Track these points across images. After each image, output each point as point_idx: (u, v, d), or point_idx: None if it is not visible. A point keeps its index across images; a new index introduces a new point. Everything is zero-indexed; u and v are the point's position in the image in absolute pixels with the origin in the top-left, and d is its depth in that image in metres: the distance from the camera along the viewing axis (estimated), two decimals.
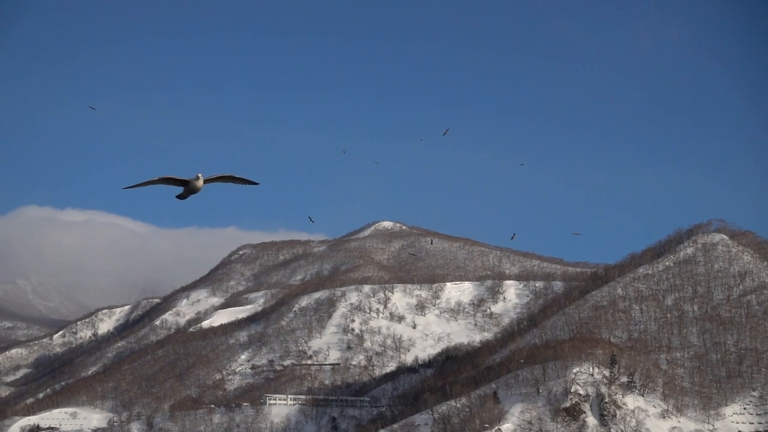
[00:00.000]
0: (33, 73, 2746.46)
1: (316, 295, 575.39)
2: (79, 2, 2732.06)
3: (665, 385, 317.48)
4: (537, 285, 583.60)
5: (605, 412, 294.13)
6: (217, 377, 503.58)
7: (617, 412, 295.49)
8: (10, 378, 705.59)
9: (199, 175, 52.95)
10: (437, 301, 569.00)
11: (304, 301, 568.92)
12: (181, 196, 55.00)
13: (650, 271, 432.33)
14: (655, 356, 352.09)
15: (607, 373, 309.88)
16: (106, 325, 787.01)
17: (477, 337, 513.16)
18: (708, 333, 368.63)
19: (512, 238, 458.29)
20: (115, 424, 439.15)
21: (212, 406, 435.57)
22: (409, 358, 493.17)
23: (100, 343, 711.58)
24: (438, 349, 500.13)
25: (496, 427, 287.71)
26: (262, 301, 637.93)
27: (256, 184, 56.18)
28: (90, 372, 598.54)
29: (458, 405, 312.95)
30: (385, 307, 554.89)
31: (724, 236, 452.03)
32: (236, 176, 54.53)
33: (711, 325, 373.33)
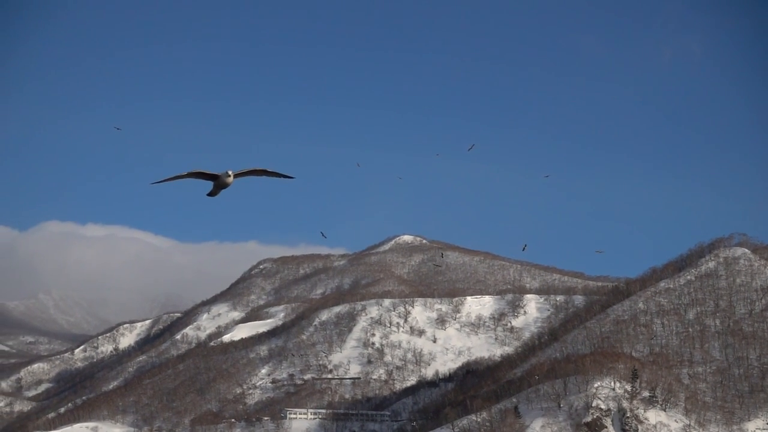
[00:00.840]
0: (52, 89, 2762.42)
1: (337, 309, 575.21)
2: (93, 12, 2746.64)
3: (687, 400, 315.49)
4: (558, 299, 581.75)
5: (627, 427, 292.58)
6: (238, 391, 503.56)
7: (639, 426, 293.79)
8: (32, 392, 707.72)
9: (230, 171, 51.45)
10: (457, 315, 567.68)
11: (325, 315, 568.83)
12: (211, 194, 53.46)
13: (672, 285, 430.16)
14: (676, 371, 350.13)
15: (628, 387, 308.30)
16: (127, 339, 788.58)
17: (497, 351, 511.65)
18: (730, 347, 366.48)
19: (523, 249, 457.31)
20: None
21: (233, 420, 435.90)
22: (429, 372, 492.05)
23: (121, 357, 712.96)
24: (458, 363, 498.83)
25: None
26: (282, 315, 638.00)
27: (291, 177, 53.72)
28: (111, 386, 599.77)
29: (479, 419, 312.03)
30: (406, 321, 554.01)
31: (746, 250, 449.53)
32: (269, 170, 52.73)
33: (733, 340, 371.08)
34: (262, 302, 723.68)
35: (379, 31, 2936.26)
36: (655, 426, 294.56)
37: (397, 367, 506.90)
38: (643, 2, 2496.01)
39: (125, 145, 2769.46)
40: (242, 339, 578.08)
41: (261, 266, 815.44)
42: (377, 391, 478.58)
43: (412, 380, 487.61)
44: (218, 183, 51.78)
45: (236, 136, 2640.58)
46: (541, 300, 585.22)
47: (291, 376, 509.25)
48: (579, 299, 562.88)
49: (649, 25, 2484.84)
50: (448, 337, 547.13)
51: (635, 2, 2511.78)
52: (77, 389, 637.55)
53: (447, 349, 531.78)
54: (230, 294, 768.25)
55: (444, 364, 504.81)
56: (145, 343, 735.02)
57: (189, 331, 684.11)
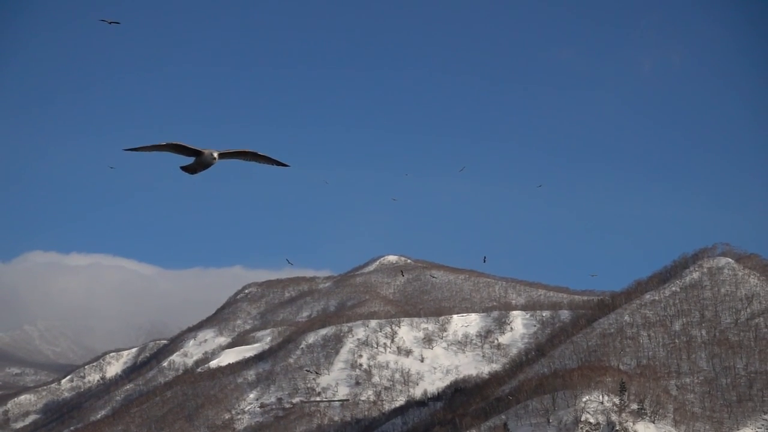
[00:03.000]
0: (31, 115, 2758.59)
1: (323, 331, 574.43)
2: (74, 40, 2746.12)
3: (676, 411, 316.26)
4: (544, 314, 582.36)
5: None
6: (227, 417, 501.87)
7: None
8: (20, 424, 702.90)
9: (215, 153, 46.96)
10: (444, 334, 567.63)
11: (311, 338, 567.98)
12: (188, 169, 48.42)
13: (657, 297, 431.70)
14: (664, 382, 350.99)
15: (617, 400, 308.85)
16: (113, 368, 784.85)
17: (485, 369, 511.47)
18: (717, 357, 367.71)
19: (484, 261, 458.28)
20: None
21: None
22: (418, 392, 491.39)
23: (108, 386, 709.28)
24: (446, 381, 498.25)
25: None
26: (269, 339, 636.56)
27: (285, 165, 49.10)
28: (99, 416, 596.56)
29: None
30: (393, 341, 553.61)
31: (730, 260, 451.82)
32: (260, 154, 47.92)
33: (720, 350, 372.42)
34: (248, 327, 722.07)
35: (357, 48, 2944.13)
36: None
37: (386, 388, 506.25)
38: (621, 14, 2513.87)
39: (107, 173, 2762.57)
40: (229, 364, 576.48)
41: (246, 291, 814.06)
42: (366, 413, 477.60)
43: (400, 400, 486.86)
44: (200, 161, 47.66)
45: (219, 163, 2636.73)
46: (528, 316, 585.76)
47: (279, 400, 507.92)
48: (565, 314, 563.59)
49: (629, 36, 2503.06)
50: (435, 356, 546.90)
51: (613, 14, 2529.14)
52: (65, 420, 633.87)
53: (435, 368, 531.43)
54: (216, 319, 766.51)
55: (432, 383, 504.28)
56: (132, 372, 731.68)
57: (176, 357, 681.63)
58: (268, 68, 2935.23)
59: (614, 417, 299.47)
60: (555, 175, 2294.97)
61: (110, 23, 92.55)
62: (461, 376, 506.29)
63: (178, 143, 46.33)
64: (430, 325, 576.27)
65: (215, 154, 47.17)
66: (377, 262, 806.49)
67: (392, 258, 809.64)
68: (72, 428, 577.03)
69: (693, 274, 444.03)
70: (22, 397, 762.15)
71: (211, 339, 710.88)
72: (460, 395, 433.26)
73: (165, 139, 46.36)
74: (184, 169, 48.72)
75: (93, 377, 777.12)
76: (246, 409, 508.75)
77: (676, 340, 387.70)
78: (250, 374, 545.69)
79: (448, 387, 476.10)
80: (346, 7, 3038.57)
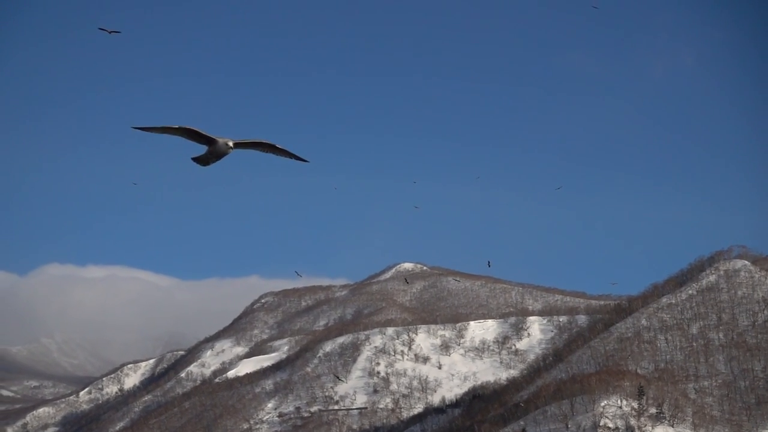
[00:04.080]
0: (47, 128, 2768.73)
1: (340, 339, 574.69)
2: (82, 46, 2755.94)
3: (695, 415, 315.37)
4: (561, 319, 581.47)
5: None
6: (245, 427, 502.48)
7: None
8: None
9: (230, 142, 44.24)
10: (461, 341, 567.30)
11: (329, 347, 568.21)
12: (200, 160, 45.58)
13: (674, 301, 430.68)
14: (683, 386, 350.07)
15: (635, 405, 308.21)
16: (131, 379, 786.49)
17: (503, 375, 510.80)
18: (735, 360, 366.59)
19: (488, 265, 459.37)
20: None
21: None
22: (436, 399, 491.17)
23: (126, 398, 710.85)
24: (464, 388, 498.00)
25: None
26: (286, 348, 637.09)
27: (305, 161, 46.60)
28: (117, 428, 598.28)
29: None
30: (410, 348, 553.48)
31: (746, 262, 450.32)
32: (278, 146, 45.64)
33: (738, 352, 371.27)
34: (265, 336, 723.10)
35: (371, 54, 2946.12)
36: None
37: (404, 395, 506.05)
38: (632, 15, 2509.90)
39: (122, 184, 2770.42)
40: (247, 374, 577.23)
41: (263, 300, 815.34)
42: (384, 421, 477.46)
43: (419, 408, 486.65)
44: (214, 150, 44.71)
45: (238, 169, 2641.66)
46: (545, 321, 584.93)
47: (297, 409, 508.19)
48: (582, 319, 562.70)
49: (640, 37, 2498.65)
50: (453, 362, 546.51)
51: (624, 16, 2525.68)
52: None
53: (452, 375, 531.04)
54: (233, 329, 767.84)
55: (450, 390, 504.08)
56: (150, 383, 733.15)
57: (193, 368, 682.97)
58: (283, 74, 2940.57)
59: (633, 421, 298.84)
60: (569, 180, 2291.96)
61: (110, 32, 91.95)
62: (479, 382, 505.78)
63: (191, 128, 43.76)
64: (447, 332, 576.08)
65: (230, 143, 44.73)
66: (393, 270, 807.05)
67: (408, 265, 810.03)
68: None
69: (709, 277, 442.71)
70: (41, 410, 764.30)
71: (228, 349, 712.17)
72: (479, 402, 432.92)
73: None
74: (196, 160, 46.23)
75: (111, 389, 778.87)
76: (264, 418, 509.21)
77: (694, 344, 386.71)
78: (268, 384, 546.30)
79: (466, 394, 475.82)
80: (362, 14, 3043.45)
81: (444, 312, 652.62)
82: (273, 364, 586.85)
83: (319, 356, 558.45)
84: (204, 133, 43.97)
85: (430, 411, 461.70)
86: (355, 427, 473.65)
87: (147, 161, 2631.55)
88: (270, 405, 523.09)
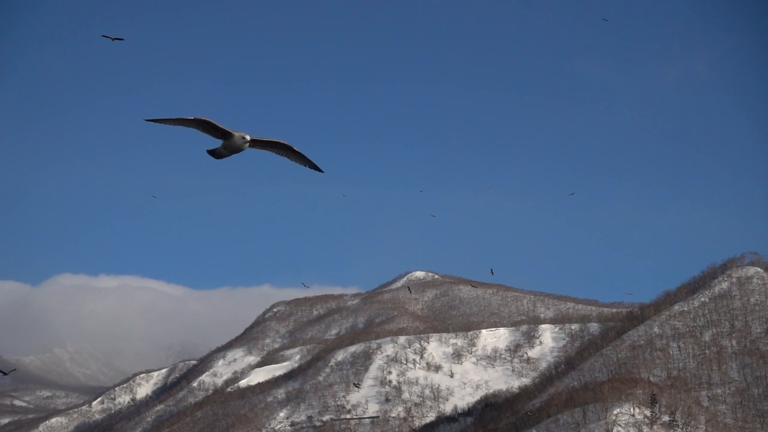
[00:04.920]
0: (59, 140, 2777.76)
1: (352, 348, 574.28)
2: (89, 54, 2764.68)
3: (708, 422, 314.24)
4: (573, 327, 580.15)
5: None
6: None
7: None
8: None
9: (247, 135, 42.92)
10: (473, 349, 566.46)
11: (340, 356, 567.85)
12: (215, 153, 44.50)
13: (686, 308, 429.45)
14: (695, 393, 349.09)
15: (648, 413, 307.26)
16: (144, 389, 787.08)
17: (515, 383, 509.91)
18: (748, 367, 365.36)
19: (491, 273, 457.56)
20: None
21: None
22: (448, 408, 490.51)
23: (138, 407, 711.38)
24: (476, 397, 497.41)
25: None
26: (298, 357, 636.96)
27: (320, 170, 45.27)
28: None
29: None
30: (422, 357, 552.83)
31: (759, 269, 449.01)
32: (295, 149, 44.16)
33: (751, 360, 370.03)
34: (277, 345, 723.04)
35: (382, 63, 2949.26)
36: None
37: (416, 404, 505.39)
38: (644, 23, 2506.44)
39: (133, 195, 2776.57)
40: (259, 383, 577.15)
41: (274, 309, 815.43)
42: (397, 429, 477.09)
43: (431, 416, 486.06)
44: (228, 144, 43.54)
45: (251, 179, 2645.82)
46: (556, 329, 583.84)
47: (310, 418, 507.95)
48: (594, 327, 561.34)
49: (652, 45, 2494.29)
50: (465, 371, 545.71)
51: (637, 23, 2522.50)
52: None
53: (464, 384, 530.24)
54: (245, 339, 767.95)
55: (462, 398, 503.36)
56: (162, 392, 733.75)
57: (205, 378, 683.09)
58: (293, 82, 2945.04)
59: (646, 429, 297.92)
60: (581, 188, 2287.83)
61: (113, 40, 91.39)
62: (491, 390, 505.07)
63: (207, 119, 42.50)
64: (459, 341, 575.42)
65: (247, 137, 43.44)
66: (405, 278, 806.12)
67: (420, 274, 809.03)
68: None
69: (722, 284, 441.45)
70: (54, 420, 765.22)
71: (240, 358, 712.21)
72: (491, 410, 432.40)
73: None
74: (211, 152, 45.04)
75: (123, 399, 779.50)
76: (276, 428, 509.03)
77: (707, 351, 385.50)
78: (280, 393, 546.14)
79: (479, 402, 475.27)
80: (375, 23, 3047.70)
81: (456, 320, 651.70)
82: (285, 374, 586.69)
83: (331, 365, 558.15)
84: (220, 125, 42.90)
85: (443, 420, 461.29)
86: None
87: (158, 171, 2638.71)
88: (282, 414, 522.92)
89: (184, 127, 42.68)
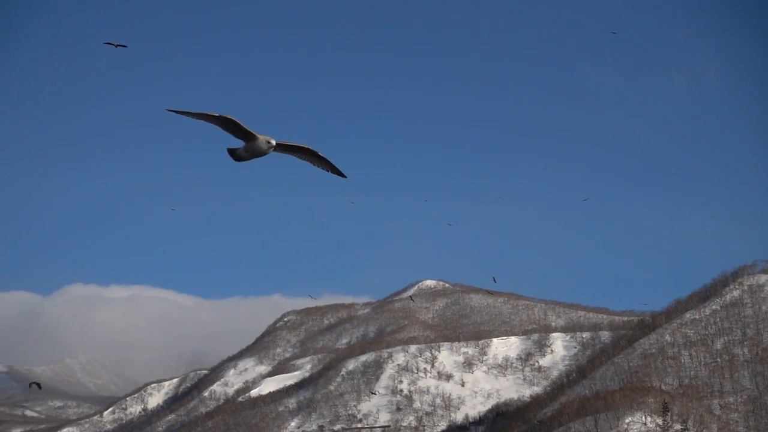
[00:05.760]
0: (69, 150, 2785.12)
1: (363, 357, 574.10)
2: (94, 62, 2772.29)
3: (720, 431, 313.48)
4: (584, 336, 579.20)
5: None
6: None
7: None
8: None
9: (273, 140, 41.37)
10: (484, 358, 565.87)
11: (351, 365, 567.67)
12: (235, 154, 42.74)
13: (697, 316, 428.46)
14: (707, 402, 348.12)
15: (660, 421, 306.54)
16: (155, 399, 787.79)
17: (526, 392, 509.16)
18: (760, 375, 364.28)
19: (494, 281, 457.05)
20: None
21: None
22: (459, 417, 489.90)
23: (150, 417, 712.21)
24: (488, 405, 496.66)
25: None
26: (309, 366, 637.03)
27: (343, 176, 44.20)
28: None
29: None
30: (433, 366, 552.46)
31: None
32: (320, 154, 42.96)
33: (763, 368, 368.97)
34: (288, 355, 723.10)
35: (385, 68, 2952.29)
36: None
37: (427, 413, 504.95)
38: (655, 30, 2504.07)
39: (145, 205, 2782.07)
40: (270, 393, 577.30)
41: (285, 319, 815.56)
42: None
43: (442, 425, 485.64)
44: (251, 147, 41.80)
45: (261, 186, 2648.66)
46: (568, 338, 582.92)
47: (321, 427, 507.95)
48: (605, 335, 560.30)
49: (663, 52, 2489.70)
50: (476, 380, 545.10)
51: (647, 30, 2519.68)
52: None
53: (476, 393, 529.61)
54: (256, 348, 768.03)
55: (473, 407, 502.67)
56: (173, 402, 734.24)
57: (217, 387, 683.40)
58: (302, 87, 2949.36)
59: None
60: (591, 196, 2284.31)
61: (116, 46, 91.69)
62: (502, 399, 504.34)
63: (232, 118, 40.61)
64: (470, 349, 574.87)
65: (273, 142, 41.80)
66: (416, 287, 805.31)
67: (430, 282, 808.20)
68: None
69: (733, 292, 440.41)
70: (65, 430, 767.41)
71: (251, 368, 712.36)
72: (502, 419, 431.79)
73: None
74: (231, 152, 43.19)
75: (135, 408, 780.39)
76: None
77: (718, 359, 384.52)
78: (291, 402, 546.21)
79: (490, 411, 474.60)
80: (386, 32, 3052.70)
81: (467, 329, 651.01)
82: (296, 383, 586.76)
83: (342, 374, 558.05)
84: (244, 126, 41.19)
85: (454, 429, 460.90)
86: None
87: (169, 181, 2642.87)
88: (293, 423, 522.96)
89: (207, 122, 41.01)
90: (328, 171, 44.11)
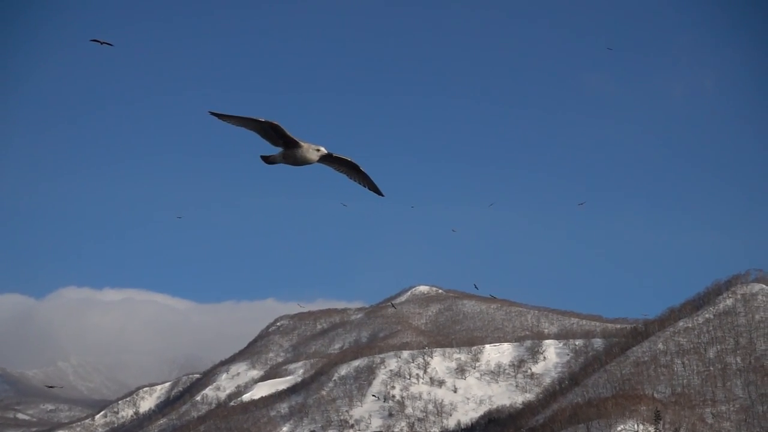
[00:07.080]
0: (63, 151, 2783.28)
1: (355, 363, 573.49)
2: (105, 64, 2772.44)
3: None
4: (577, 343, 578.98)
5: None
6: None
7: None
8: None
9: (323, 148, 39.28)
10: (477, 364, 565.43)
11: (344, 370, 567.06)
12: (271, 160, 40.61)
13: (690, 324, 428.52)
14: (700, 410, 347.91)
15: (652, 429, 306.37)
16: (147, 403, 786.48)
17: (519, 399, 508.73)
18: (753, 385, 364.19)
19: (475, 287, 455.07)
20: None
21: None
22: (451, 423, 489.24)
23: (141, 421, 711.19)
24: (480, 412, 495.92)
25: None
26: (301, 371, 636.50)
27: (381, 195, 42.19)
28: None
29: None
30: (425, 372, 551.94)
31: (764, 286, 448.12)
32: (362, 169, 41.22)
33: (755, 377, 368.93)
34: (280, 359, 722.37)
35: (379, 74, 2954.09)
36: None
37: (419, 419, 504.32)
38: (651, 37, 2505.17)
39: (139, 209, 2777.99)
40: (262, 397, 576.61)
41: (278, 323, 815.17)
42: None
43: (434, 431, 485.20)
44: (292, 154, 39.55)
45: (253, 191, 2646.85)
46: (560, 345, 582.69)
47: None
48: (598, 342, 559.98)
49: (660, 59, 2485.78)
50: (468, 386, 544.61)
51: (643, 37, 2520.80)
52: None
53: (468, 399, 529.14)
54: (248, 353, 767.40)
55: (466, 413, 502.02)
56: (165, 406, 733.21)
57: (209, 391, 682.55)
58: (298, 93, 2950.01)
59: None
60: (586, 204, 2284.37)
61: (102, 44, 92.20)
62: (495, 406, 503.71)
63: (277, 124, 38.35)
64: (462, 356, 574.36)
65: (323, 150, 39.75)
66: (409, 293, 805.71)
67: (424, 288, 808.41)
68: None
69: (726, 301, 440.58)
70: None
71: (243, 372, 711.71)
72: (494, 426, 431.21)
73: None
74: (267, 160, 41.04)
75: (126, 412, 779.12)
76: None
77: (711, 368, 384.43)
78: (283, 407, 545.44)
79: (482, 417, 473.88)
80: (385, 36, 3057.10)
81: (459, 335, 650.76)
82: (288, 388, 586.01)
83: (335, 380, 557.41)
84: (289, 133, 38.84)
85: None
86: None
87: (162, 184, 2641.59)
88: (285, 429, 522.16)
89: (246, 128, 38.77)
90: (365, 187, 42.46)
